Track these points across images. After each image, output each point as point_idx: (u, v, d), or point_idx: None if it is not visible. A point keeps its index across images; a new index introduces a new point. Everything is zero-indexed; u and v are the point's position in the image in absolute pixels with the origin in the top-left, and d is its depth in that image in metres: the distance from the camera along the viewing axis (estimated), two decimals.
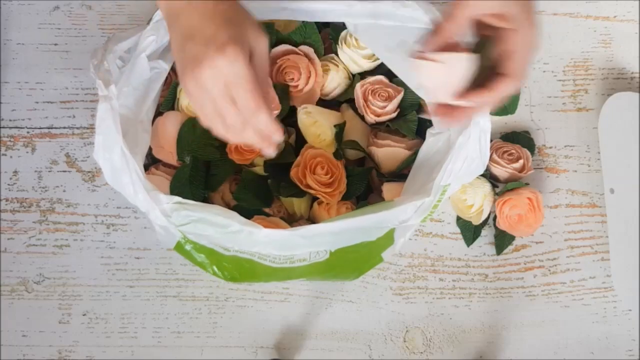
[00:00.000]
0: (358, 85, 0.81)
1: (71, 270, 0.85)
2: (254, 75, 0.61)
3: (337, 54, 0.83)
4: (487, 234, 0.86)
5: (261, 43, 0.64)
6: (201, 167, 0.79)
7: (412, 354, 0.83)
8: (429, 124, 0.78)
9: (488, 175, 0.85)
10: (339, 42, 0.82)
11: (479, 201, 0.83)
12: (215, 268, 0.73)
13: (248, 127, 0.62)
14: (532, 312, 0.85)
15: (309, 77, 0.80)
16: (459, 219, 0.86)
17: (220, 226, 0.67)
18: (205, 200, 0.80)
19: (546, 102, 0.90)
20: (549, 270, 0.86)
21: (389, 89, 0.80)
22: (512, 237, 0.85)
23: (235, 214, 0.67)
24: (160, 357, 0.83)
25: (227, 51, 0.60)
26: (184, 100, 0.79)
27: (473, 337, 0.84)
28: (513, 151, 0.85)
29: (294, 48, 0.81)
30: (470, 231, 0.85)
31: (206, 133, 0.77)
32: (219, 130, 0.63)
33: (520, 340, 0.84)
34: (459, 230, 0.86)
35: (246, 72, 0.61)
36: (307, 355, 0.83)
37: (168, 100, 0.80)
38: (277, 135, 0.64)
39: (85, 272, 0.85)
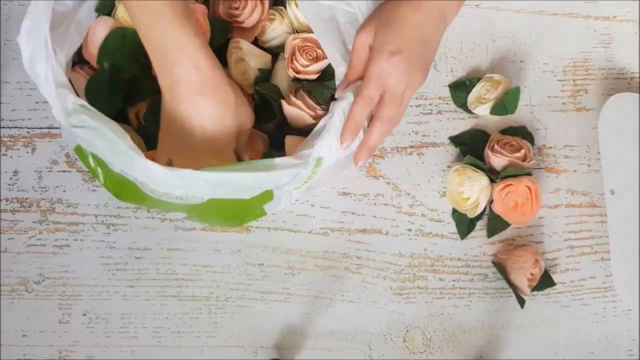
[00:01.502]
0: (290, 37, 0.82)
1: (71, 270, 0.85)
2: None
3: (285, 8, 0.84)
4: (486, 233, 0.86)
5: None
6: (124, 79, 0.80)
7: (412, 354, 0.83)
8: None
9: (486, 169, 0.85)
10: None
11: (475, 194, 0.83)
12: (104, 178, 0.75)
13: None
14: (532, 312, 0.85)
15: (253, 10, 0.81)
16: (454, 211, 0.86)
17: (108, 141, 0.69)
18: (122, 113, 0.82)
19: (546, 102, 0.90)
20: (549, 270, 0.86)
21: (319, 51, 0.81)
22: (506, 224, 0.85)
23: (126, 135, 0.69)
24: (160, 357, 0.83)
25: (224, 157, 0.74)
26: (120, 10, 0.80)
27: (473, 337, 0.84)
28: (514, 142, 0.85)
29: None
30: (464, 224, 0.86)
31: (136, 46, 0.78)
32: None
33: (520, 340, 0.84)
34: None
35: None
36: (307, 355, 0.83)
37: (106, 6, 0.80)
38: None
39: (86, 272, 0.85)
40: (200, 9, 0.80)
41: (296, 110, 0.80)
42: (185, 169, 0.68)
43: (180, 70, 0.70)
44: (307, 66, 0.81)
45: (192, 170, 0.68)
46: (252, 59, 0.81)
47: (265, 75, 0.82)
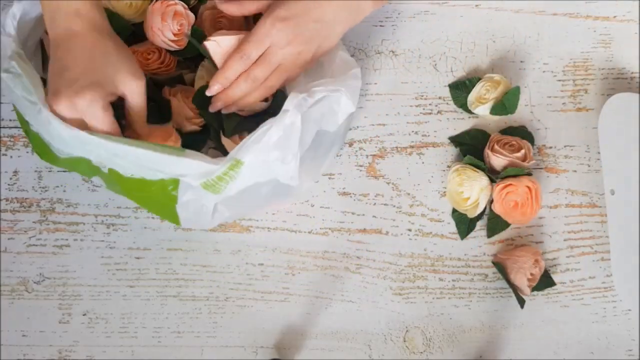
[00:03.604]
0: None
1: (71, 270, 0.85)
2: (110, 119, 0.71)
3: None
4: (485, 233, 0.86)
5: (134, 87, 0.72)
6: None
7: (412, 354, 0.84)
8: None
9: (486, 169, 0.85)
10: None
11: (475, 194, 0.83)
12: (31, 137, 0.77)
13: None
14: (532, 312, 0.85)
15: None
16: (454, 211, 0.86)
17: (24, 89, 0.72)
18: None
19: (546, 102, 0.90)
20: (549, 270, 0.86)
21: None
22: (506, 224, 0.85)
23: (41, 88, 0.72)
24: (160, 357, 0.83)
25: (85, 95, 0.69)
26: None
27: (473, 337, 0.84)
28: (514, 142, 0.85)
29: None
30: (465, 224, 0.86)
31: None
32: None
33: (520, 340, 0.84)
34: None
35: (101, 114, 0.71)
36: (307, 355, 0.83)
37: None
38: None
39: (86, 272, 0.85)
40: (188, 17, 0.81)
41: (231, 143, 0.79)
42: (88, 132, 0.70)
43: (71, 13, 0.71)
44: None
45: (94, 135, 0.70)
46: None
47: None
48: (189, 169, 0.71)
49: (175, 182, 0.74)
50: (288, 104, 0.72)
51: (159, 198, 0.76)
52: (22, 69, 0.73)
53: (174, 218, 0.80)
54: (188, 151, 0.72)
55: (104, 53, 0.72)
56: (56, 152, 0.75)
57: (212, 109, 0.79)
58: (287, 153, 0.73)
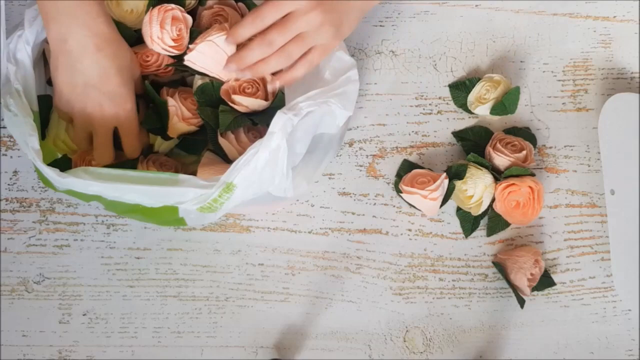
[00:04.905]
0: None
1: (71, 270, 0.85)
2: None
3: None
4: (485, 232, 0.86)
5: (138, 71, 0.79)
6: None
7: (412, 354, 0.84)
8: None
9: (490, 167, 0.85)
10: None
11: (479, 192, 0.83)
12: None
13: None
14: (532, 312, 0.85)
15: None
16: (458, 209, 0.86)
17: (20, 132, 0.73)
18: None
19: (546, 102, 0.90)
20: (549, 270, 0.86)
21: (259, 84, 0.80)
22: (506, 224, 0.85)
23: (35, 136, 0.73)
24: (160, 357, 0.83)
25: (127, 108, 0.76)
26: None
27: (473, 337, 0.84)
28: (516, 142, 0.85)
29: (234, 2, 0.84)
30: (469, 222, 0.86)
31: None
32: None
33: (520, 340, 0.84)
34: (459, 230, 0.86)
35: (135, 120, 0.77)
36: (307, 355, 0.83)
37: None
38: None
39: (86, 272, 0.85)
40: (186, 21, 0.80)
41: (227, 143, 0.79)
42: (78, 178, 0.71)
43: (77, 25, 0.71)
44: (255, 94, 0.80)
45: (85, 180, 0.71)
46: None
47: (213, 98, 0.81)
48: (184, 197, 0.72)
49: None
50: (274, 126, 0.71)
51: (162, 214, 0.77)
52: (18, 108, 0.73)
53: (180, 223, 0.80)
54: (181, 176, 0.73)
55: (119, 50, 0.76)
56: (54, 182, 0.75)
57: (226, 69, 0.76)
58: (276, 173, 0.74)
